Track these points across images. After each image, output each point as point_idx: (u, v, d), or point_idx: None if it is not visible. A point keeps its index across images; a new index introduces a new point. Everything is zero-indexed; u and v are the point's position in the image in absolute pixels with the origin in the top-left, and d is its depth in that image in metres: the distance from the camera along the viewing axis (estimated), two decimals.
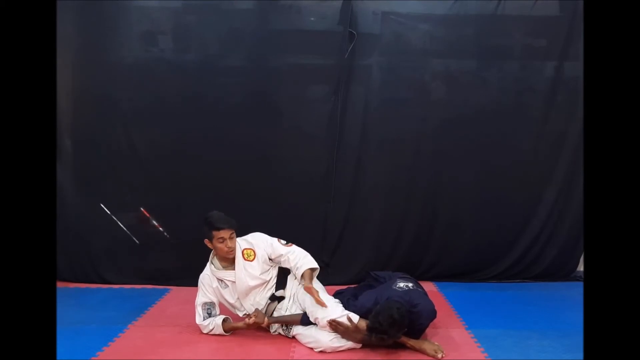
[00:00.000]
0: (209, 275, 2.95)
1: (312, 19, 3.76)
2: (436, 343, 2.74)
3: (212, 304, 2.96)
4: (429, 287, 3.58)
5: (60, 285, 3.68)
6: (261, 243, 2.96)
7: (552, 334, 2.94)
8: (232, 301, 2.97)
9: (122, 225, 3.85)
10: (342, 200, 3.88)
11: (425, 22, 3.79)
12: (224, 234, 2.81)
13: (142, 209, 3.86)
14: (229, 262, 2.93)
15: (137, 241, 3.86)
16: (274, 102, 3.81)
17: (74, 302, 3.44)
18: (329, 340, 2.72)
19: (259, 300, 2.95)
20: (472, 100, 3.83)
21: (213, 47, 3.77)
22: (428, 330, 2.85)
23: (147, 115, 3.78)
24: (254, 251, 2.93)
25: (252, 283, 2.91)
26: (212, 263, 2.97)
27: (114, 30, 3.73)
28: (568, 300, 3.53)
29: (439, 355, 2.66)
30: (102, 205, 3.82)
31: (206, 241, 2.88)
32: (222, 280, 2.94)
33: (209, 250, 2.99)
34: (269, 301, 2.94)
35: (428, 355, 2.69)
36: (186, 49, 3.80)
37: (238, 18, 3.75)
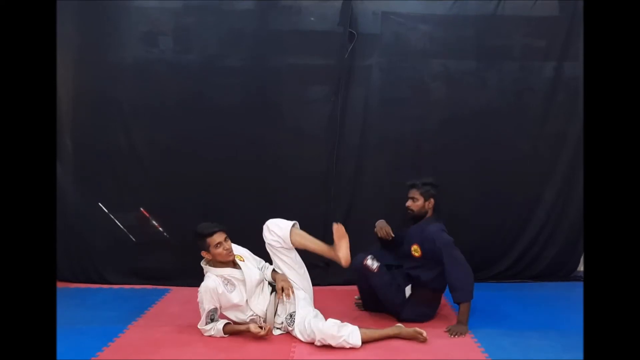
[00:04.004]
0: (214, 279, 2.90)
1: (312, 19, 3.76)
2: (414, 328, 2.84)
3: (215, 310, 2.96)
4: None
5: (60, 285, 3.69)
6: (242, 250, 3.08)
7: (552, 334, 2.93)
8: (237, 301, 2.93)
9: (121, 225, 3.85)
10: (342, 200, 3.88)
11: (425, 22, 3.79)
12: (218, 237, 2.84)
13: (142, 209, 3.86)
14: (228, 266, 2.95)
15: (133, 239, 3.86)
16: (274, 102, 3.81)
17: (74, 302, 3.44)
18: (329, 327, 2.75)
19: (266, 292, 2.99)
20: (472, 101, 3.83)
21: (213, 47, 3.77)
22: (430, 331, 2.86)
23: (147, 115, 3.78)
24: (241, 255, 3.03)
25: (258, 276, 2.97)
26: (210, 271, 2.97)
27: (114, 31, 3.73)
28: (568, 300, 3.53)
29: (424, 334, 2.78)
30: (101, 205, 3.83)
31: (204, 253, 2.89)
32: (229, 282, 2.92)
33: None
34: (274, 292, 2.98)
35: (411, 337, 2.80)
36: (186, 49, 3.80)
37: (238, 18, 3.76)
